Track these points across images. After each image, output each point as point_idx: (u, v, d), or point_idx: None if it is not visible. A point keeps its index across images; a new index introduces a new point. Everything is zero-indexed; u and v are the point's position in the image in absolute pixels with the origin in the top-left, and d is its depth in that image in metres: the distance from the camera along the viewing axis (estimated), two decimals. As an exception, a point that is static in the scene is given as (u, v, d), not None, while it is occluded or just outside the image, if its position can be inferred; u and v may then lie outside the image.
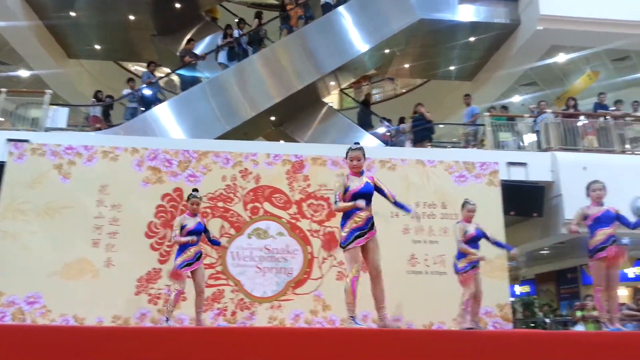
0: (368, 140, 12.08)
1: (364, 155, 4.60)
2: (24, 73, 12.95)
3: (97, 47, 13.80)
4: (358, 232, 4.41)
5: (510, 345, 3.79)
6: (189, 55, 11.25)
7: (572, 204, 8.31)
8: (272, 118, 11.97)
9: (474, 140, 10.39)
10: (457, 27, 12.00)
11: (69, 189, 7.13)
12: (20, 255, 6.73)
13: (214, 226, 7.22)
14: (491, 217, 7.52)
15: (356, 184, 4.52)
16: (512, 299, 11.41)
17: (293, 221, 7.40)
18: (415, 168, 7.82)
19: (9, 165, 7.20)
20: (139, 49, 13.96)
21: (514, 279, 14.99)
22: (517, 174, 8.78)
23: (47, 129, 8.82)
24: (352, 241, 4.41)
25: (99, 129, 9.70)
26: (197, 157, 7.52)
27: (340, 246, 4.52)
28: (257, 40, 11.69)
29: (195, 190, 5.93)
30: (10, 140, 7.75)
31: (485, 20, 11.82)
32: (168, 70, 13.61)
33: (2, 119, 9.26)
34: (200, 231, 5.66)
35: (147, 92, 10.68)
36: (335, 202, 4.52)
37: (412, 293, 7.03)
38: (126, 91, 10.87)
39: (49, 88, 10.11)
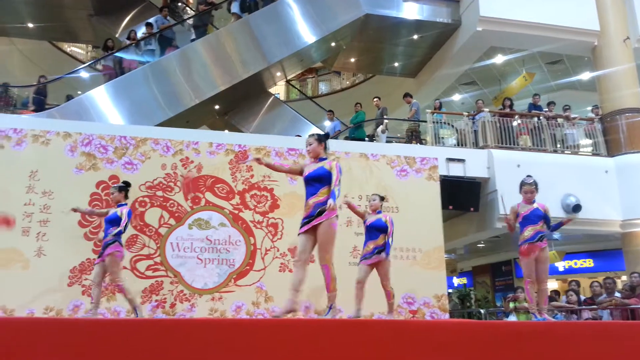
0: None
1: (317, 140, 4.45)
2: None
3: (30, 25, 12.97)
4: (306, 220, 4.31)
5: (446, 335, 3.92)
6: (205, 4, 11.21)
7: (507, 199, 8.69)
8: (217, 107, 11.74)
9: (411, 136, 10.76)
10: (402, 24, 12.19)
11: (-5, 174, 6.70)
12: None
13: (153, 216, 7.01)
14: (430, 211, 7.77)
15: (309, 168, 4.43)
16: (450, 290, 11.83)
17: (236, 212, 7.30)
18: (358, 161, 7.91)
19: None
20: (75, 29, 13.26)
21: (452, 271, 15.55)
22: (456, 170, 9.07)
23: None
24: (301, 228, 4.37)
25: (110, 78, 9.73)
26: (134, 143, 7.26)
27: None
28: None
29: (124, 182, 5.79)
30: None
31: (428, 19, 12.06)
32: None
33: None
34: (112, 220, 5.37)
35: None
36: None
37: (354, 284, 7.11)
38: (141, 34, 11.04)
39: (-25, 66, 9.44)
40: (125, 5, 12.53)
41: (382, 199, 5.90)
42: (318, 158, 4.45)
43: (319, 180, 4.33)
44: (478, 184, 9.17)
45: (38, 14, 12.60)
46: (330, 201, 4.22)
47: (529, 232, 5.22)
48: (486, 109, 10.45)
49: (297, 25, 11.35)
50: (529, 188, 5.34)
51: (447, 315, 7.37)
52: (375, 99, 11.68)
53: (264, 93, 12.64)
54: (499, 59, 12.97)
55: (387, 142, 11.06)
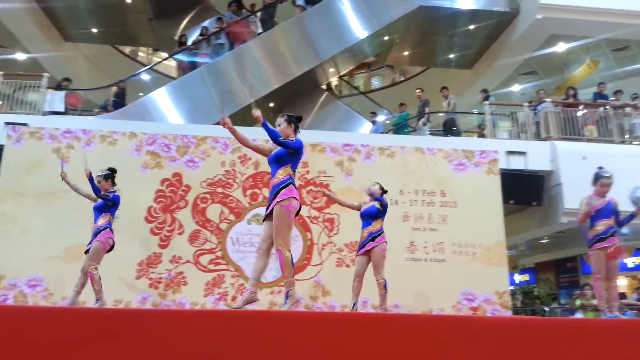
0: (367, 128, 12.07)
1: (286, 121, 4.24)
2: (20, 56, 12.80)
3: (94, 30, 13.62)
4: (268, 204, 4.06)
5: (509, 331, 3.82)
6: None
7: (572, 193, 8.37)
8: (271, 104, 11.91)
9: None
10: (457, 15, 11.93)
11: (67, 173, 7.07)
12: (20, 238, 6.71)
13: (214, 212, 7.22)
14: (490, 205, 7.58)
15: (274, 150, 4.21)
16: (512, 287, 11.50)
17: (292, 208, 7.38)
18: (414, 155, 7.81)
19: (7, 149, 7.15)
20: (136, 33, 13.82)
21: (514, 268, 15.09)
22: (517, 163, 8.80)
23: (45, 113, 8.74)
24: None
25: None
26: (195, 142, 7.49)
27: None
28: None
29: (109, 169, 5.73)
30: (8, 123, 7.69)
31: (484, 8, 11.75)
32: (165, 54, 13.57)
33: (0, 102, 9.17)
34: (99, 207, 5.38)
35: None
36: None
37: (411, 280, 7.07)
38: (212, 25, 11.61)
39: (46, 71, 9.99)
40: (183, 8, 12.92)
41: (382, 189, 5.64)
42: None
43: (278, 162, 4.08)
44: (541, 177, 8.85)
45: (101, 20, 13.22)
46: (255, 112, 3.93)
47: (600, 226, 5.02)
48: (548, 99, 10.06)
49: (349, 21, 11.34)
50: (607, 181, 5.15)
51: (509, 313, 7.18)
52: (417, 90, 11.46)
53: (317, 89, 12.71)
54: (561, 47, 12.46)
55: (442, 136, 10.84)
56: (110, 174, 5.60)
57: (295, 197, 4.01)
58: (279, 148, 4.11)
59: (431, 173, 7.75)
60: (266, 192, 7.42)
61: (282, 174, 4.04)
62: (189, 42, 11.69)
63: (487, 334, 3.75)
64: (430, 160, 7.80)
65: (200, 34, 11.47)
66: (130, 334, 3.20)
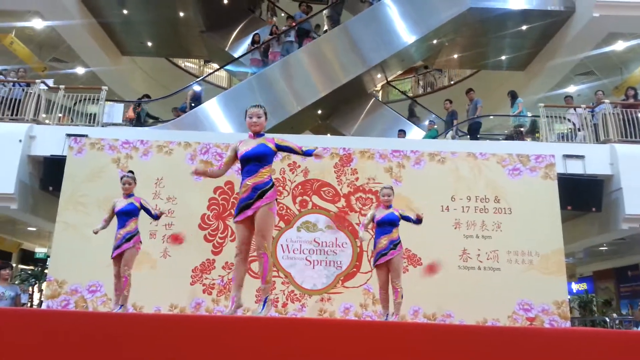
0: (416, 134, 11.95)
1: (265, 114, 4.07)
2: (80, 70, 13.45)
3: (149, 44, 14.16)
4: (243, 204, 3.90)
5: (571, 344, 3.66)
6: None
7: (633, 198, 8.00)
8: (319, 112, 11.99)
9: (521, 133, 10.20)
10: (509, 15, 11.64)
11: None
12: (81, 245, 7.00)
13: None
14: (547, 211, 7.33)
15: (246, 146, 4.00)
16: (569, 297, 11.02)
17: (342, 214, 7.40)
18: (466, 161, 7.65)
19: (69, 159, 7.51)
20: (189, 46, 14.26)
21: (571, 276, 14.49)
22: (574, 167, 8.46)
23: (104, 124, 9.13)
24: (237, 215, 3.95)
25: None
26: (247, 150, 7.62)
27: None
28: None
29: (130, 172, 5.69)
30: (69, 135, 8.10)
31: (537, 7, 11.42)
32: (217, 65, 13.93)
33: (61, 115, 9.65)
34: (130, 211, 5.33)
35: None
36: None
37: (464, 289, 6.92)
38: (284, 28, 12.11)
39: (104, 84, 10.45)
40: (233, 20, 13.25)
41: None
42: (257, 134, 4.06)
43: (259, 160, 3.94)
44: (600, 181, 8.47)
45: (155, 33, 13.74)
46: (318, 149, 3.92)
47: None
48: (607, 100, 9.64)
49: (396, 26, 11.28)
50: None
51: (568, 323, 6.89)
52: (445, 102, 11.31)
53: (365, 95, 12.70)
54: (620, 46, 11.91)
55: (493, 140, 10.58)
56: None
57: (277, 199, 4.10)
58: (258, 144, 3.98)
59: (484, 179, 7.57)
60: (316, 199, 7.46)
61: (266, 173, 3.96)
62: (238, 52, 12.00)
63: (546, 346, 3.61)
64: (483, 166, 7.62)
65: (270, 33, 11.87)
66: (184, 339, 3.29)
